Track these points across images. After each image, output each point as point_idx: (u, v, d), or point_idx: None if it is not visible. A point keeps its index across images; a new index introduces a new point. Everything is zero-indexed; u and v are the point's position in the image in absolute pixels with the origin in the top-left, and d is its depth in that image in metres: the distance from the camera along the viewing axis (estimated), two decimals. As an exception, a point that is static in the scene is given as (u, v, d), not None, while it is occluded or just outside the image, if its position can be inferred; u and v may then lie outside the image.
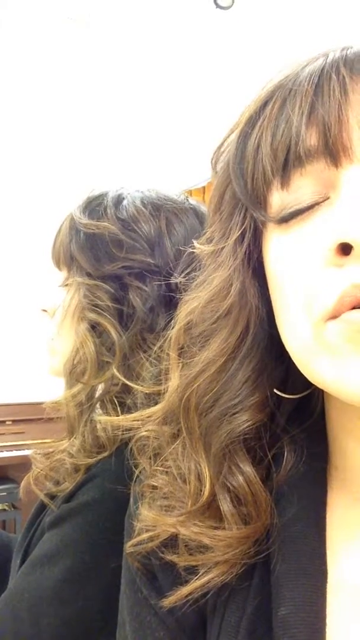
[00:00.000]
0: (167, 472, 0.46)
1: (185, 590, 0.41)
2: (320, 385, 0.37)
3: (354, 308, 0.33)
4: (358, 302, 0.33)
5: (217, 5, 2.22)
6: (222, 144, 0.45)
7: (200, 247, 0.47)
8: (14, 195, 3.57)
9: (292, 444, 0.44)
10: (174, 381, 0.45)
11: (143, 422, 0.50)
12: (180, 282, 0.49)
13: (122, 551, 0.49)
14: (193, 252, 0.48)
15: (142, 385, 0.64)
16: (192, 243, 0.48)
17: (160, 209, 0.74)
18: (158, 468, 0.46)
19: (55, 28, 2.36)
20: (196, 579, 0.41)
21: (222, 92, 2.76)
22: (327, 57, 0.38)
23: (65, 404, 0.70)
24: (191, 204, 0.78)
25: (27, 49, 2.50)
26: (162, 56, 2.58)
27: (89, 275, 0.72)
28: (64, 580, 0.60)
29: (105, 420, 0.64)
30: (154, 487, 0.46)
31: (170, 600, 0.42)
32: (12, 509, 3.17)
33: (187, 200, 0.79)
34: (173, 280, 0.68)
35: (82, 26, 2.36)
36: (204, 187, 4.05)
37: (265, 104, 0.40)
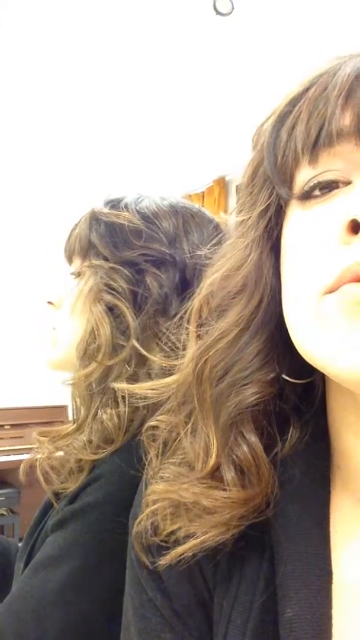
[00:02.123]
0: (176, 462, 0.46)
1: (181, 549, 0.42)
2: (314, 363, 0.38)
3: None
4: (357, 277, 0.34)
5: (217, 12, 2.23)
6: (265, 121, 0.45)
7: (225, 217, 0.48)
8: (15, 198, 3.58)
9: (299, 424, 0.45)
10: (190, 352, 0.46)
11: (157, 392, 0.51)
12: (195, 278, 0.50)
13: (126, 552, 0.49)
14: (215, 245, 0.49)
15: (159, 357, 0.66)
16: (208, 246, 0.49)
17: (178, 210, 0.77)
18: (168, 460, 0.47)
19: (56, 31, 2.37)
20: (193, 539, 0.41)
21: (222, 98, 2.77)
22: None
23: (76, 384, 0.71)
24: (206, 213, 0.81)
25: (29, 50, 2.51)
26: (162, 62, 2.59)
27: (105, 259, 0.74)
28: (68, 583, 0.60)
29: (121, 387, 0.65)
30: (163, 477, 0.46)
31: (166, 559, 0.42)
32: (11, 513, 3.17)
33: (203, 209, 0.82)
34: (188, 271, 0.71)
35: (83, 31, 2.37)
36: (203, 193, 4.06)
37: (308, 87, 0.40)
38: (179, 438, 0.47)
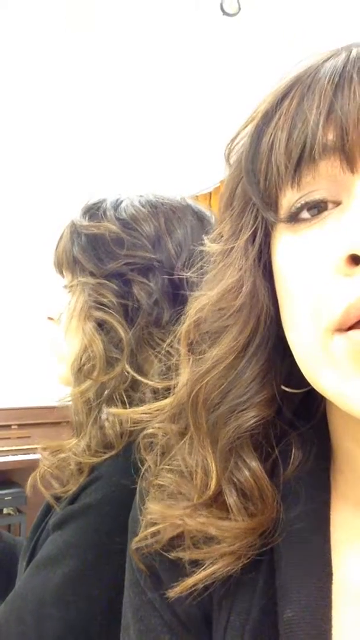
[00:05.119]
0: (173, 470, 0.46)
1: (190, 581, 0.41)
2: (322, 393, 0.37)
3: (358, 321, 0.33)
4: None
5: (224, 12, 2.23)
6: (236, 135, 0.44)
7: (210, 244, 0.47)
8: (17, 204, 3.59)
9: (299, 441, 0.44)
10: (183, 376, 0.46)
11: (151, 416, 0.50)
12: (185, 277, 0.49)
13: (126, 553, 0.49)
14: (199, 248, 0.48)
15: (152, 380, 0.65)
16: (193, 241, 0.48)
17: (158, 208, 0.75)
18: (165, 467, 0.46)
19: (58, 31, 2.38)
20: (202, 570, 0.41)
21: (228, 98, 2.77)
22: (350, 52, 0.37)
23: (74, 401, 0.70)
24: (188, 204, 0.79)
25: (30, 52, 2.51)
26: (169, 62, 2.59)
27: (92, 274, 0.73)
28: (67, 582, 0.60)
29: (115, 412, 0.64)
30: (160, 486, 0.46)
31: (176, 591, 0.42)
32: (18, 513, 3.17)
33: (184, 200, 0.79)
34: (176, 275, 0.69)
35: (87, 31, 2.38)
36: (210, 193, 4.06)
37: (282, 98, 0.39)
38: (176, 447, 0.46)
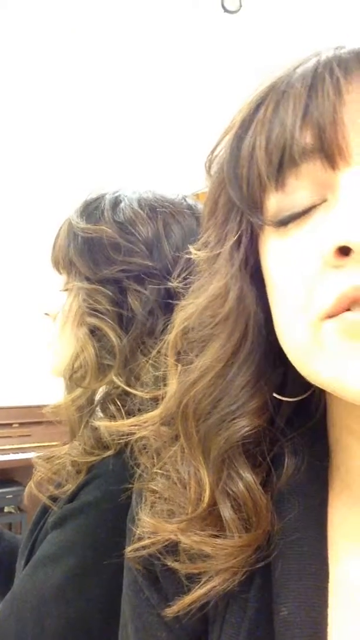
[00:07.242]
0: (166, 476, 0.45)
1: (187, 599, 0.41)
2: (318, 385, 0.37)
3: (349, 309, 0.33)
4: (355, 302, 0.33)
5: (225, 10, 2.23)
6: (215, 147, 0.45)
7: (196, 252, 0.47)
8: (16, 198, 3.58)
9: (292, 447, 0.44)
10: (172, 386, 0.45)
11: (141, 427, 0.50)
12: (179, 285, 0.49)
13: (124, 551, 0.49)
14: (190, 256, 0.48)
15: (142, 391, 0.64)
16: (190, 245, 0.48)
17: (157, 211, 0.74)
18: (158, 471, 0.46)
19: (57, 30, 2.38)
20: (198, 588, 0.41)
21: (229, 95, 2.76)
22: (320, 56, 0.38)
23: (66, 408, 0.70)
24: (188, 204, 0.78)
25: (29, 50, 2.51)
26: (171, 60, 2.59)
27: (87, 279, 0.72)
28: (67, 580, 0.60)
29: (104, 425, 0.64)
30: (154, 492, 0.46)
31: (173, 609, 0.42)
32: (18, 511, 3.18)
33: (184, 200, 0.78)
34: (172, 283, 0.67)
35: (88, 29, 2.38)
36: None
37: (258, 106, 0.39)
38: (168, 453, 0.46)
